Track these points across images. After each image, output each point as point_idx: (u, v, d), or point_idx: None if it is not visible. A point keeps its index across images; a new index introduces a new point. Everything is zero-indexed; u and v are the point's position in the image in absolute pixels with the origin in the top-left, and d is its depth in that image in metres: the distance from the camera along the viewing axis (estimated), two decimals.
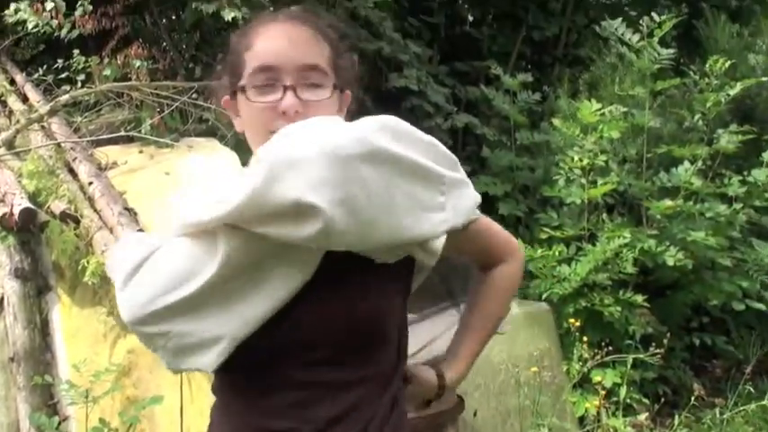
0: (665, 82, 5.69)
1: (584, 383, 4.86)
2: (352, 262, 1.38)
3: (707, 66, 5.73)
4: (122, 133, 4.97)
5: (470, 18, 8.46)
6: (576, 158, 5.48)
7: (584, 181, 5.44)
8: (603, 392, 4.52)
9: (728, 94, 5.60)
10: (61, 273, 3.98)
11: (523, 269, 1.68)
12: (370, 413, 1.45)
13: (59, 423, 3.42)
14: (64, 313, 3.89)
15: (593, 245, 5.28)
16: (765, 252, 5.58)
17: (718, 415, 4.79)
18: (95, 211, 4.06)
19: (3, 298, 3.89)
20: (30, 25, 5.60)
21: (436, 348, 1.79)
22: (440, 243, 1.44)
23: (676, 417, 4.59)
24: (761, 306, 5.51)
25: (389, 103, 5.80)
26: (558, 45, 8.35)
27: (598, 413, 4.57)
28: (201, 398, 3.41)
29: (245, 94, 1.47)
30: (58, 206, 4.04)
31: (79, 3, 5.59)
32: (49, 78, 5.61)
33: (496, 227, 1.65)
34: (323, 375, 1.41)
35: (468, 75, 7.49)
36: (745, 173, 5.70)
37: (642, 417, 4.73)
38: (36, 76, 5.75)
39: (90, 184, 4.26)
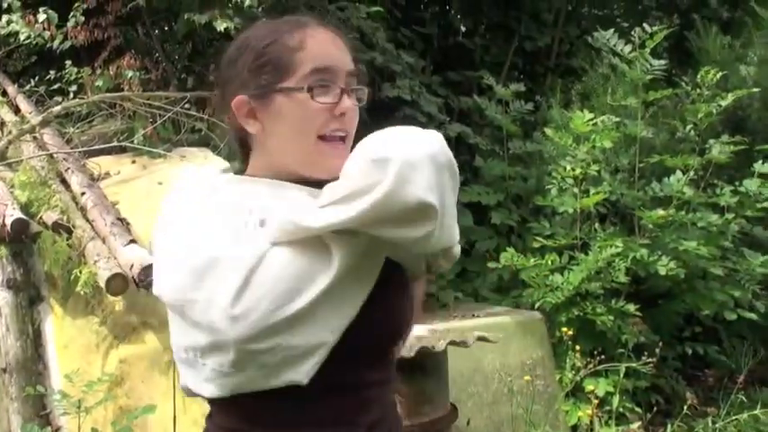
0: (657, 92, 5.70)
1: (576, 392, 4.87)
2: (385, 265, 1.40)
3: (698, 77, 5.74)
4: (115, 144, 4.97)
5: (463, 28, 8.48)
6: (568, 168, 5.49)
7: (576, 190, 5.45)
8: (596, 401, 4.53)
9: (720, 105, 5.63)
10: (54, 283, 3.97)
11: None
12: (392, 416, 1.48)
13: None
14: (56, 324, 3.88)
15: (586, 254, 5.29)
16: (757, 262, 5.59)
17: (710, 424, 4.80)
18: (88, 221, 4.06)
19: None
20: (22, 37, 5.61)
21: None
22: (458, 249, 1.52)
23: (669, 426, 4.60)
24: (752, 316, 5.52)
25: (382, 112, 5.81)
26: (550, 55, 8.38)
27: (591, 422, 4.58)
28: (194, 407, 3.41)
29: (310, 92, 1.42)
30: (50, 216, 4.03)
31: (71, 14, 5.61)
32: (42, 89, 5.62)
33: None
34: (366, 378, 1.42)
35: (460, 85, 7.50)
36: (737, 183, 5.72)
37: (635, 426, 4.74)
38: (28, 87, 5.77)
39: (82, 194, 4.26)
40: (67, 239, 3.92)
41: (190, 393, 1.44)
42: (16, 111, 5.35)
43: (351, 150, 1.42)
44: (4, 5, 5.74)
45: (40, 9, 5.66)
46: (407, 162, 1.25)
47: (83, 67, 5.60)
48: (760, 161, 5.78)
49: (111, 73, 5.53)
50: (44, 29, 5.62)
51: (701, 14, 8.06)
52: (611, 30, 6.08)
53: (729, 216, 5.51)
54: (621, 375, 4.68)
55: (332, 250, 1.30)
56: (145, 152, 4.91)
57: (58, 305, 3.94)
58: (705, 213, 5.53)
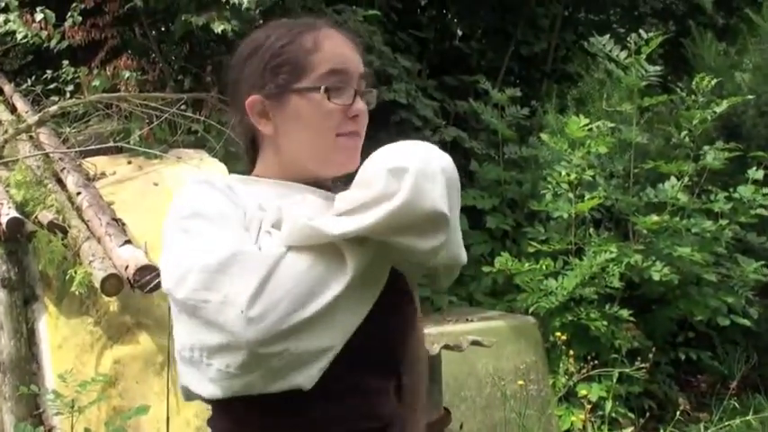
0: (652, 98, 5.73)
1: (569, 397, 4.88)
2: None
3: (694, 83, 5.76)
4: (111, 144, 4.97)
5: (459, 33, 8.51)
6: (563, 173, 5.50)
7: (571, 195, 5.46)
8: (589, 406, 4.53)
9: (715, 112, 5.64)
10: (48, 283, 3.97)
11: None
12: (398, 426, 1.46)
13: None
14: (50, 323, 3.88)
15: (580, 259, 5.30)
16: (750, 268, 5.60)
17: (703, 430, 4.81)
18: (83, 221, 4.06)
19: None
20: (19, 36, 5.60)
21: None
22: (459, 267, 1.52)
23: (661, 431, 4.60)
24: (746, 322, 5.53)
25: (378, 116, 5.80)
26: (546, 60, 8.40)
27: (584, 427, 4.59)
28: (187, 408, 3.41)
29: (327, 93, 1.44)
30: (45, 216, 4.03)
31: (69, 14, 5.60)
32: (38, 89, 5.62)
33: None
34: (366, 383, 1.41)
35: (456, 89, 7.51)
36: (731, 189, 5.73)
37: (627, 431, 4.74)
38: (25, 86, 5.76)
39: (78, 194, 4.26)
40: (63, 239, 3.92)
41: (188, 395, 1.40)
42: (12, 110, 5.35)
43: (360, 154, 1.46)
44: (2, 4, 5.74)
45: (38, 8, 5.65)
46: (424, 172, 1.27)
47: (80, 66, 5.59)
48: (754, 168, 5.80)
49: (108, 73, 5.52)
50: (41, 28, 5.62)
51: (697, 21, 8.08)
52: (607, 35, 6.10)
53: (723, 222, 5.52)
54: (615, 380, 4.69)
55: (346, 257, 1.30)
56: (141, 153, 4.91)
57: (52, 305, 3.94)
58: (699, 219, 5.55)
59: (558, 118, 6.38)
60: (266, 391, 1.30)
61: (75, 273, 3.73)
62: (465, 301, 5.87)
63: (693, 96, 5.76)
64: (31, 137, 4.89)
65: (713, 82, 5.71)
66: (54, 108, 5.01)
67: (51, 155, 4.66)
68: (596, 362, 4.68)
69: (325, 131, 1.45)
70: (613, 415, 4.76)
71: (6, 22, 5.62)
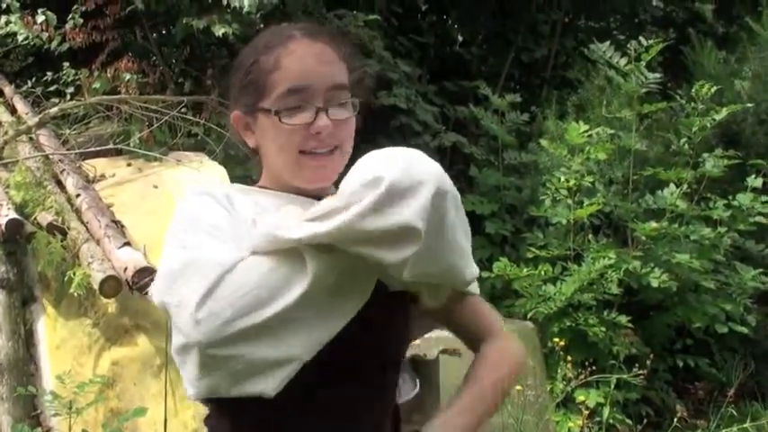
0: (651, 105, 5.73)
1: (567, 403, 4.88)
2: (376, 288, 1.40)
3: (693, 90, 5.76)
4: (111, 146, 4.98)
5: (460, 38, 8.51)
6: (562, 179, 5.50)
7: (570, 201, 5.46)
8: (587, 412, 4.53)
9: (714, 119, 5.65)
10: (47, 284, 3.97)
11: (514, 350, 1.61)
12: None
13: None
14: (49, 324, 3.88)
15: (579, 265, 5.30)
16: (749, 276, 5.60)
17: None
18: (82, 222, 4.06)
19: None
20: (20, 37, 5.61)
21: None
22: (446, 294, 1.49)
23: None
24: (743, 329, 5.53)
25: (378, 121, 5.82)
26: (546, 67, 8.40)
27: None
28: (185, 410, 3.41)
29: (277, 116, 1.44)
30: (45, 217, 4.03)
31: (70, 16, 5.61)
32: (38, 90, 5.63)
33: (487, 307, 1.64)
34: (338, 397, 1.40)
35: (456, 94, 7.52)
36: (730, 197, 5.74)
37: None
38: (25, 87, 5.76)
39: (77, 196, 4.26)
40: (62, 241, 3.92)
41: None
42: (13, 111, 5.35)
43: (348, 160, 1.45)
44: (3, 6, 5.75)
45: (39, 10, 5.66)
46: (396, 184, 1.25)
47: (80, 68, 5.60)
48: (753, 175, 5.80)
49: (109, 75, 5.53)
50: (42, 30, 5.63)
51: (697, 29, 8.10)
52: (608, 42, 6.11)
53: (722, 230, 5.52)
54: (612, 387, 4.68)
55: (306, 263, 1.29)
56: (140, 155, 4.92)
57: (50, 306, 3.94)
58: (698, 226, 5.55)
59: (558, 124, 6.38)
60: (231, 395, 1.31)
61: (74, 274, 3.73)
62: None
63: (693, 104, 5.76)
64: (31, 138, 4.90)
65: (713, 90, 5.72)
66: (54, 110, 5.02)
67: (51, 156, 4.67)
68: (594, 368, 4.67)
69: (288, 149, 1.46)
70: (611, 421, 4.76)
71: (7, 23, 5.64)
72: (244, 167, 4.49)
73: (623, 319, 5.14)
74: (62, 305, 3.90)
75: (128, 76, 5.48)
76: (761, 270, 5.63)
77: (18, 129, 4.89)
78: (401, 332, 1.49)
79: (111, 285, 3.58)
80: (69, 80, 5.62)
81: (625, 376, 4.69)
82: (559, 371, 4.77)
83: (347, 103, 1.49)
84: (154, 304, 1.43)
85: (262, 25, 5.35)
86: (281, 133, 1.45)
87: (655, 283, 5.18)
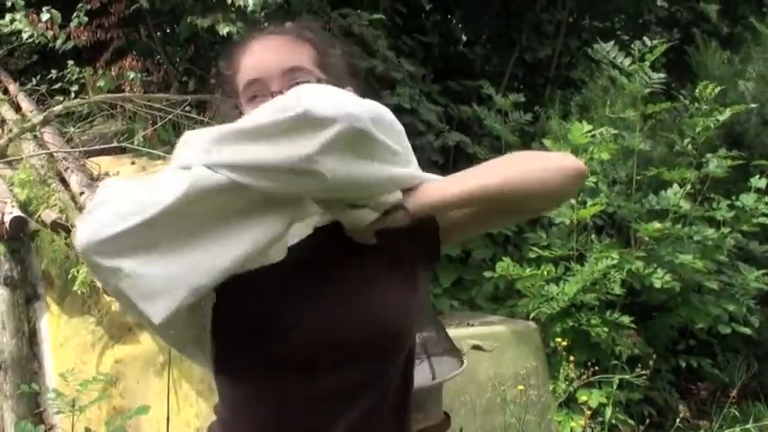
0: (655, 105, 5.72)
1: (570, 403, 4.87)
2: (351, 256, 1.42)
3: (697, 91, 5.75)
4: (115, 144, 4.99)
5: (464, 38, 8.50)
6: None
7: (573, 201, 5.46)
8: (589, 412, 4.53)
9: (718, 120, 5.64)
10: (50, 282, 3.99)
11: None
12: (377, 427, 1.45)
13: None
14: (52, 322, 3.89)
15: (582, 265, 5.30)
16: (752, 276, 5.60)
17: None
18: None
19: None
20: (24, 35, 5.62)
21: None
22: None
23: None
24: (747, 330, 5.52)
25: None
26: (550, 66, 8.39)
27: None
28: (187, 408, 3.42)
29: (243, 108, 1.52)
30: (49, 215, 4.04)
31: (75, 14, 5.62)
32: (43, 88, 5.64)
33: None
34: (296, 392, 1.38)
35: (460, 94, 7.51)
36: (734, 197, 5.72)
37: None
38: (29, 85, 5.78)
39: (81, 194, 4.27)
40: (65, 238, 3.93)
41: None
42: (17, 109, 5.37)
43: None
44: (8, 4, 5.76)
45: (44, 8, 5.67)
46: (313, 89, 1.32)
47: (85, 67, 5.62)
48: (757, 176, 5.79)
49: (113, 74, 5.55)
50: (47, 28, 5.63)
51: (701, 29, 8.08)
52: (612, 42, 6.09)
53: (725, 230, 5.51)
54: (615, 387, 4.69)
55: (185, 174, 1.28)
56: (144, 153, 4.92)
57: (54, 304, 3.95)
58: (701, 227, 5.54)
59: (562, 124, 6.37)
60: (133, 316, 1.34)
61: (78, 272, 3.74)
62: (466, 305, 5.87)
63: (697, 104, 5.76)
64: (35, 136, 4.91)
65: (717, 90, 5.71)
66: (58, 108, 5.03)
67: (55, 154, 4.68)
68: (597, 368, 4.68)
69: None
70: (613, 421, 4.76)
71: (12, 21, 5.64)
72: None
73: (626, 319, 5.14)
74: (65, 303, 3.92)
75: (132, 75, 5.49)
76: (764, 271, 5.62)
77: (22, 126, 4.90)
78: (402, 318, 1.45)
79: None
80: (74, 78, 5.63)
81: (628, 377, 4.69)
82: (562, 371, 4.77)
83: (309, 82, 1.49)
84: None
85: (266, 24, 5.35)
86: None
87: (658, 284, 5.17)
